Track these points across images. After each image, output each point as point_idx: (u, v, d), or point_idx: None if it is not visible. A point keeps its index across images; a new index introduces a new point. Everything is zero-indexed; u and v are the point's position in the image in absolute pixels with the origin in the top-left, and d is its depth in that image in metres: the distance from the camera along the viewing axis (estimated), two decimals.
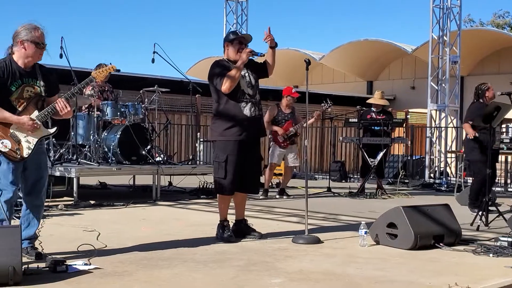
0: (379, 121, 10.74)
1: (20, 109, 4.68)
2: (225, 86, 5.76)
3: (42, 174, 4.89)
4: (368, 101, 11.45)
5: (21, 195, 5.01)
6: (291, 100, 10.17)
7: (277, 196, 10.15)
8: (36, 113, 4.71)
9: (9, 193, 4.68)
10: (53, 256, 4.76)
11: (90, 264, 4.64)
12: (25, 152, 4.68)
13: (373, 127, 10.85)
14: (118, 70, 5.02)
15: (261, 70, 6.12)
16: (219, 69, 5.90)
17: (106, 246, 5.43)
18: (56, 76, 4.97)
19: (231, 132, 5.85)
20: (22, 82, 4.69)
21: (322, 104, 10.54)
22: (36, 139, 4.73)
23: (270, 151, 10.36)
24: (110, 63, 4.96)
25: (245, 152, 5.88)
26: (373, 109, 11.09)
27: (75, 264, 4.58)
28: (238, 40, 6.03)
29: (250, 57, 5.92)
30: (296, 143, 10.50)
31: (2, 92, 4.61)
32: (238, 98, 5.88)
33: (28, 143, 4.69)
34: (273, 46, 5.96)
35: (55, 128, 5.00)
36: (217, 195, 6.13)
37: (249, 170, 5.98)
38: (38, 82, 4.76)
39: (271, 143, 10.31)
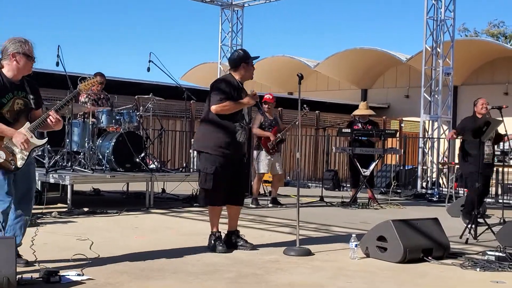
0: (371, 132, 10.85)
1: (11, 120, 4.77)
2: (218, 109, 5.88)
3: (31, 184, 4.99)
4: (354, 113, 11.54)
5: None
6: (270, 106, 10.28)
7: (270, 205, 10.22)
8: (27, 124, 4.81)
9: (5, 204, 4.75)
10: (47, 265, 4.82)
11: (83, 275, 4.69)
12: (19, 163, 4.77)
13: (360, 138, 10.93)
14: (102, 83, 5.27)
15: None
16: (226, 88, 5.96)
17: (99, 255, 5.48)
18: (38, 88, 5.08)
19: (222, 149, 5.94)
20: (13, 95, 4.79)
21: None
22: (29, 150, 4.82)
23: (256, 160, 10.30)
24: (94, 76, 5.15)
25: (232, 167, 6.01)
26: (360, 120, 11.23)
27: (68, 275, 4.64)
28: (252, 62, 6.14)
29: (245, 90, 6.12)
30: (280, 151, 10.60)
31: None
32: (236, 121, 5.99)
33: (21, 154, 4.77)
34: None
35: (46, 138, 5.18)
36: (208, 206, 6.20)
37: (236, 184, 6.11)
38: (27, 94, 4.87)
39: (257, 151, 10.29)
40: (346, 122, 12.37)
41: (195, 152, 13.84)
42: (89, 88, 5.16)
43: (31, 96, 4.87)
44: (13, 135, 4.72)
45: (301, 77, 6.24)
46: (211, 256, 5.77)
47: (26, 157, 4.79)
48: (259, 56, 6.37)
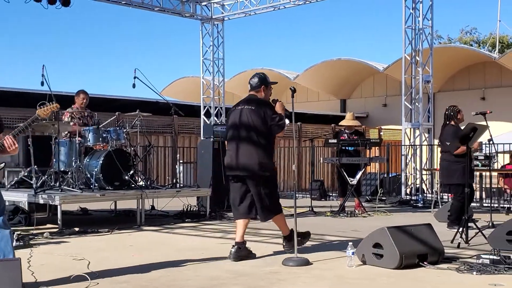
0: (357, 141, 10.99)
1: None
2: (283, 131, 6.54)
3: (1, 202, 4.98)
4: (341, 123, 11.74)
5: None
6: None
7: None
8: None
9: None
10: (50, 287, 4.81)
11: None
12: None
13: (347, 148, 11.12)
14: (60, 109, 5.39)
15: None
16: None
17: (98, 275, 5.47)
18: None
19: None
20: None
21: None
22: None
23: None
24: (53, 102, 5.19)
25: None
26: (346, 130, 11.42)
27: None
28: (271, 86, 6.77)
29: None
30: None
31: None
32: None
33: None
34: None
35: (3, 163, 5.39)
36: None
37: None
38: None
39: None
40: (326, 133, 12.54)
41: (181, 167, 13.94)
42: (48, 114, 5.18)
43: None
44: None
45: (294, 91, 6.37)
46: (212, 270, 5.79)
47: None
48: (277, 82, 7.10)
